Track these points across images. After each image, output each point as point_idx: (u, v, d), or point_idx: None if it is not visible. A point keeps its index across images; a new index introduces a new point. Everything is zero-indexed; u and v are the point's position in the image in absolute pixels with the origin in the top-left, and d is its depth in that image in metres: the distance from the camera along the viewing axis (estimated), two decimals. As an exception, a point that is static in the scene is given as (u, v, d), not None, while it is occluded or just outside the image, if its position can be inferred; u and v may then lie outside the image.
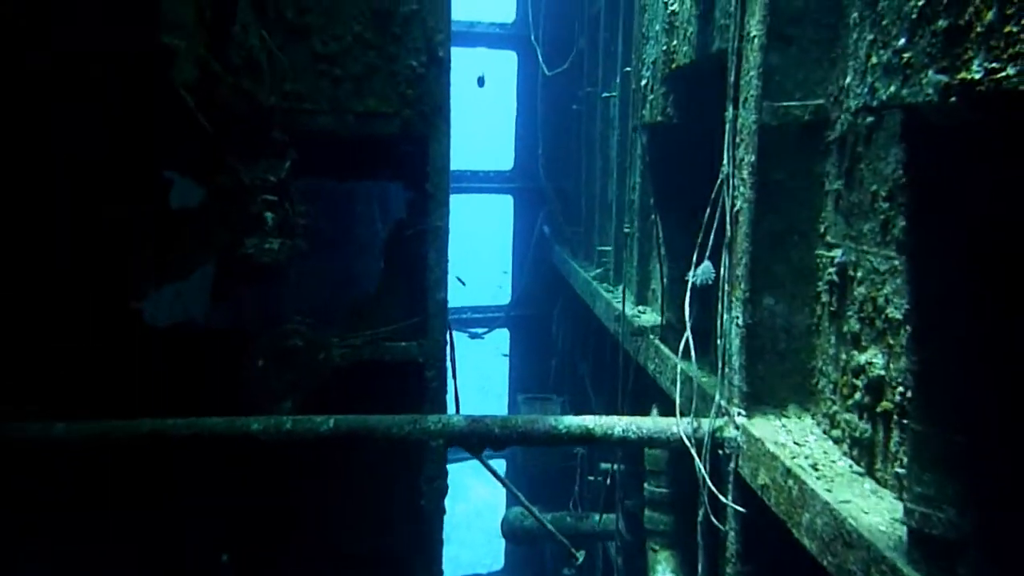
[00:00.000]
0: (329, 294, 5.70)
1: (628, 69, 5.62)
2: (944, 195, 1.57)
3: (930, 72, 1.50)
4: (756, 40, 2.74)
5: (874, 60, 1.82)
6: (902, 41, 1.63)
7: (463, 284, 8.43)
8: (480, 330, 9.31)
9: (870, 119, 2.45)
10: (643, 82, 4.09)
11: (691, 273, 3.06)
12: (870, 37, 1.90)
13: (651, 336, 4.18)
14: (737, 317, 2.84)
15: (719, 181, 3.00)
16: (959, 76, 1.41)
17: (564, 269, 8.09)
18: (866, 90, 1.98)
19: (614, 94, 6.43)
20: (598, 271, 6.69)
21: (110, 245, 3.01)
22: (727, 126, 2.94)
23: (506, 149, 9.77)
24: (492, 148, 11.13)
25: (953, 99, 1.43)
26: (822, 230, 2.79)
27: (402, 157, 4.17)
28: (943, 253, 1.57)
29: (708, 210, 3.03)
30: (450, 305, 9.32)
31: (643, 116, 4.08)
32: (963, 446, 1.60)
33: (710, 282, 2.99)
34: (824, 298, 2.74)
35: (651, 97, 3.94)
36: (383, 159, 4.19)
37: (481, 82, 7.76)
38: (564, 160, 8.95)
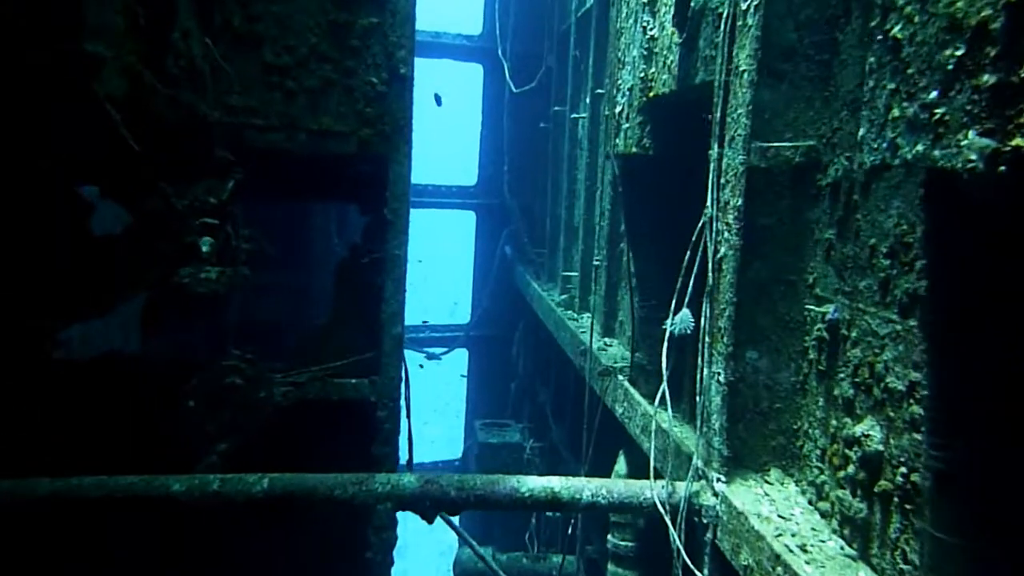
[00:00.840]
0: (277, 322, 5.35)
1: (600, 91, 5.42)
2: (980, 283, 1.35)
3: (971, 134, 1.28)
4: (745, 75, 2.54)
5: (895, 113, 1.61)
6: (934, 95, 1.41)
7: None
8: (438, 350, 9.00)
9: (868, 165, 2.26)
10: (618, 109, 3.87)
11: (668, 322, 2.83)
12: (891, 86, 1.69)
13: (620, 377, 3.95)
14: (718, 373, 2.61)
15: (701, 223, 2.78)
16: (1012, 142, 1.19)
17: (527, 292, 7.84)
18: (884, 144, 1.77)
19: (583, 115, 6.23)
20: (563, 297, 6.46)
21: (13, 274, 2.64)
22: (711, 165, 2.73)
23: (469, 163, 9.51)
24: (454, 161, 10.84)
25: (1003, 168, 1.21)
26: (811, 280, 2.59)
27: (359, 178, 3.86)
28: (979, 347, 1.36)
29: (688, 253, 2.81)
30: (407, 323, 9.06)
31: (617, 145, 3.86)
32: (998, 563, 1.38)
33: (689, 331, 2.77)
34: (812, 355, 2.53)
35: (626, 126, 3.72)
36: (338, 180, 3.88)
37: (438, 101, 7.50)
38: (530, 178, 8.72)
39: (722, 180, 2.67)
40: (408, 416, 3.93)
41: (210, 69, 3.32)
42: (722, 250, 2.63)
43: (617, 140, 3.88)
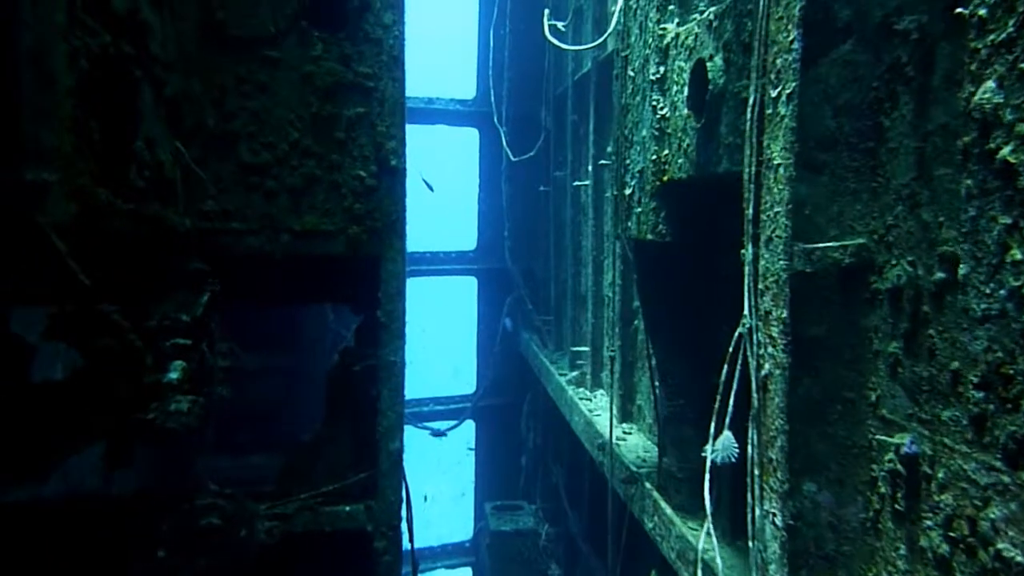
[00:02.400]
0: (260, 440, 4.97)
1: (603, 163, 5.15)
2: None
3: None
4: (781, 169, 2.22)
5: (1018, 255, 1.27)
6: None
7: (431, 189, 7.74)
8: (443, 424, 8.57)
9: (940, 275, 1.92)
10: (627, 191, 3.56)
11: (708, 448, 2.45)
12: (1004, 220, 1.36)
13: (647, 485, 3.55)
14: (773, 514, 2.23)
15: (737, 333, 2.43)
16: None
17: (534, 363, 7.47)
18: (1003, 292, 1.43)
19: (586, 183, 5.96)
20: (574, 374, 6.08)
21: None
22: (746, 268, 2.39)
23: (468, 227, 9.23)
24: (453, 226, 10.58)
25: None
26: (873, 399, 2.23)
27: (349, 278, 3.53)
28: None
29: (725, 368, 2.45)
30: (409, 396, 8.66)
31: (630, 229, 3.54)
32: None
33: (733, 460, 2.39)
34: (884, 489, 2.15)
35: (639, 210, 3.41)
36: (326, 281, 3.56)
37: (429, 187, 7.28)
38: (531, 242, 8.44)
39: (760, 286, 2.33)
40: (411, 542, 3.52)
41: (181, 175, 3.01)
42: (767, 367, 2.27)
43: (629, 224, 3.56)
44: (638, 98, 3.45)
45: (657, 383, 3.52)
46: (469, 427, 8.78)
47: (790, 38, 2.15)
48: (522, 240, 8.43)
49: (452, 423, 8.51)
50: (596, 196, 5.77)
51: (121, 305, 2.77)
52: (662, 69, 3.17)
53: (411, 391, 8.89)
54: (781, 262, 2.22)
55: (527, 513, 7.05)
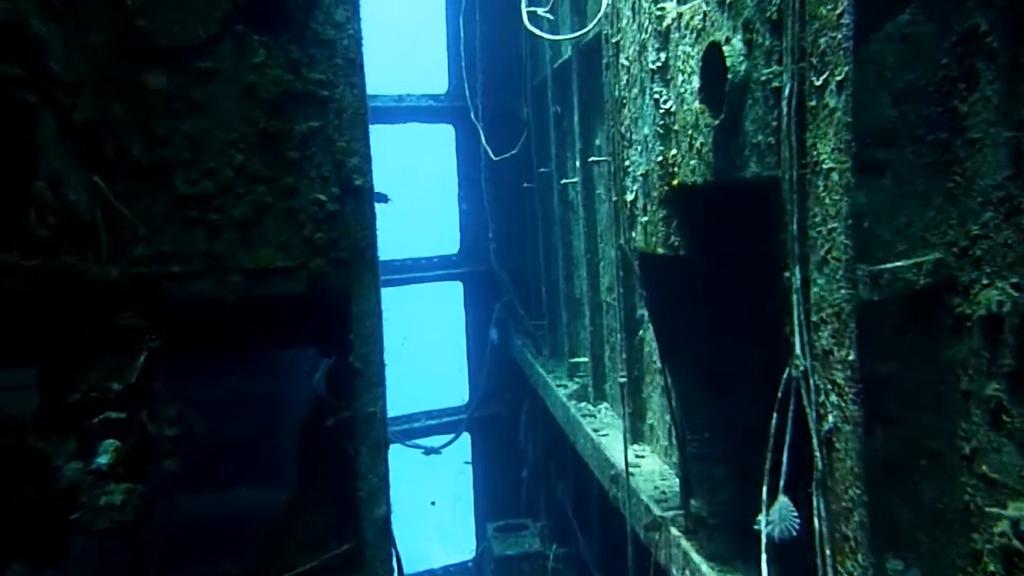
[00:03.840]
0: (244, 471, 4.51)
1: (594, 160, 4.69)
2: None
3: None
4: (835, 175, 1.77)
5: None
6: None
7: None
8: (438, 439, 8.11)
9: (1057, 305, 1.49)
10: (629, 196, 3.11)
11: (762, 518, 2.02)
12: None
13: (673, 531, 3.12)
14: (851, 603, 1.80)
15: (786, 375, 1.99)
16: None
17: (529, 372, 7.03)
18: None
19: (574, 180, 5.50)
20: (575, 387, 5.64)
21: None
22: (793, 296, 1.95)
23: (450, 229, 8.75)
24: (433, 229, 10.08)
25: None
26: (967, 451, 1.80)
27: (314, 318, 3.06)
28: None
29: (775, 418, 2.01)
30: (400, 412, 8.20)
31: (635, 240, 3.09)
32: None
33: (794, 534, 1.95)
34: (993, 567, 1.73)
35: (644, 219, 2.96)
36: (288, 324, 3.08)
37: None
38: (518, 241, 7.98)
39: (814, 317, 1.89)
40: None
41: (103, 216, 2.53)
42: (831, 419, 1.84)
43: (633, 234, 3.11)
44: (635, 90, 2.99)
45: (677, 414, 3.09)
46: (464, 440, 8.34)
47: (837, 10, 1.70)
48: (508, 240, 7.96)
49: (446, 438, 8.06)
50: (586, 194, 5.31)
51: (33, 381, 2.30)
52: (663, 56, 2.71)
53: (400, 406, 8.45)
54: (842, 290, 1.78)
55: (532, 533, 6.63)
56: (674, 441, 3.97)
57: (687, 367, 3.05)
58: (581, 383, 5.59)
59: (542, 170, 6.59)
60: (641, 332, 4.40)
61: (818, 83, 1.79)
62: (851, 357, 1.76)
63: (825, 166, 1.80)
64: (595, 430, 4.74)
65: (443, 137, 8.50)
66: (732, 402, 2.93)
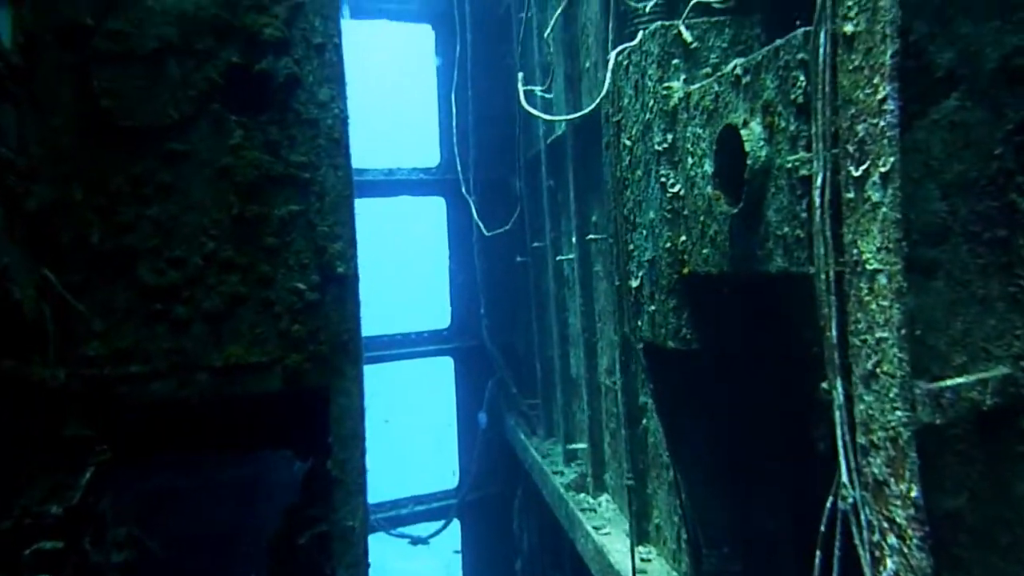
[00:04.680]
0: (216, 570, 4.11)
1: (592, 237, 4.50)
2: None
3: None
4: (882, 277, 1.54)
5: None
6: None
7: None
8: (424, 529, 7.65)
9: None
10: (634, 283, 2.89)
11: None
12: None
13: (691, 660, 2.76)
14: None
15: (830, 503, 1.71)
16: None
17: (523, 456, 6.67)
18: None
19: (570, 256, 5.30)
20: (571, 476, 5.30)
21: None
22: (836, 414, 1.69)
23: (441, 301, 8.51)
24: (424, 302, 9.85)
25: None
26: (1050, 605, 1.52)
27: (289, 418, 2.77)
28: None
29: (818, 556, 1.73)
30: (384, 498, 7.76)
31: (641, 330, 2.85)
32: None
33: None
34: None
35: (652, 308, 2.72)
36: (260, 426, 2.79)
37: None
38: (511, 316, 7.74)
39: (862, 440, 1.63)
40: None
41: (52, 312, 2.27)
42: (890, 565, 1.55)
43: (639, 323, 2.87)
44: (639, 172, 2.80)
45: (689, 522, 2.78)
46: (454, 527, 7.87)
47: (879, 96, 1.51)
48: (501, 316, 7.72)
49: (435, 526, 7.60)
50: (583, 271, 5.10)
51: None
52: (670, 137, 2.54)
53: (384, 492, 8.01)
54: (897, 411, 1.52)
55: (528, 633, 6.13)
56: (683, 544, 3.63)
57: (700, 469, 2.76)
58: (579, 471, 5.25)
59: (536, 245, 6.42)
60: (645, 421, 4.11)
61: (857, 173, 1.59)
62: (914, 493, 1.50)
63: (869, 267, 1.58)
64: (596, 527, 4.38)
65: (434, 210, 8.38)
66: (754, 511, 2.64)
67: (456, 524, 7.91)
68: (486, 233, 6.41)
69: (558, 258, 5.69)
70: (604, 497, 4.97)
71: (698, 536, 2.70)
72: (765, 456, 2.52)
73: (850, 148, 1.61)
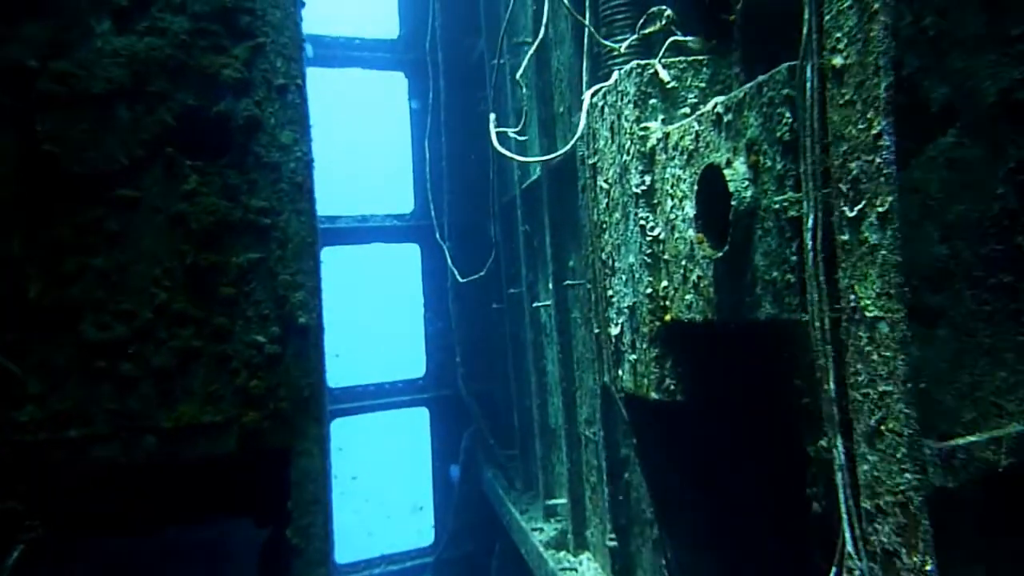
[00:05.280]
0: None
1: (569, 283, 4.39)
2: None
3: None
4: (882, 325, 1.43)
5: None
6: None
7: None
8: (401, 588, 7.29)
9: None
10: (614, 330, 2.75)
11: None
12: None
13: None
14: None
15: (833, 573, 1.56)
16: None
17: (501, 510, 6.41)
18: None
19: (547, 303, 5.18)
20: (552, 533, 5.06)
21: None
22: (837, 474, 1.55)
23: (416, 351, 8.29)
24: (397, 350, 9.63)
25: None
26: None
27: (246, 483, 2.56)
28: None
29: (825, 635, 1.56)
30: (355, 558, 7.40)
31: (622, 380, 2.70)
32: None
33: None
34: None
35: (633, 357, 2.59)
36: (213, 491, 2.57)
37: None
38: (487, 364, 7.56)
39: (867, 504, 1.48)
40: None
41: (-19, 373, 2.06)
42: (905, 648, 1.39)
43: (620, 372, 2.73)
44: (617, 215, 2.70)
45: (682, 592, 2.59)
46: (430, 587, 7.51)
47: (874, 131, 1.41)
48: (477, 364, 7.54)
49: (410, 588, 7.24)
50: (561, 318, 4.96)
51: None
52: (648, 179, 2.44)
53: (355, 550, 7.67)
54: (907, 474, 1.39)
55: None
56: (672, 607, 3.43)
57: (687, 531, 2.59)
58: (559, 528, 5.03)
59: (512, 291, 6.29)
60: (627, 475, 3.94)
61: (852, 214, 1.48)
62: (928, 567, 1.35)
63: (869, 314, 1.46)
64: (578, 587, 4.15)
65: (408, 257, 8.25)
66: (742, 572, 2.47)
67: (432, 583, 7.56)
68: (460, 280, 6.27)
69: (535, 304, 5.56)
70: (585, 556, 4.74)
71: (689, 604, 2.51)
72: (757, 517, 2.37)
73: (843, 187, 1.51)
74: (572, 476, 4.90)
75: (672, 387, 2.40)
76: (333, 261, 7.96)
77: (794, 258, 1.69)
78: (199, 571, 5.08)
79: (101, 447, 2.31)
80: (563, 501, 5.02)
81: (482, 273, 6.15)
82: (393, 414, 8.22)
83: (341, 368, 7.16)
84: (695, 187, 2.12)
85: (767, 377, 2.23)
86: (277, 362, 2.54)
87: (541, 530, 5.23)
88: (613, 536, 3.52)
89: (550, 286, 5.04)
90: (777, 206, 1.74)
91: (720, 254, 1.97)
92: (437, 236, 6.88)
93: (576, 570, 4.51)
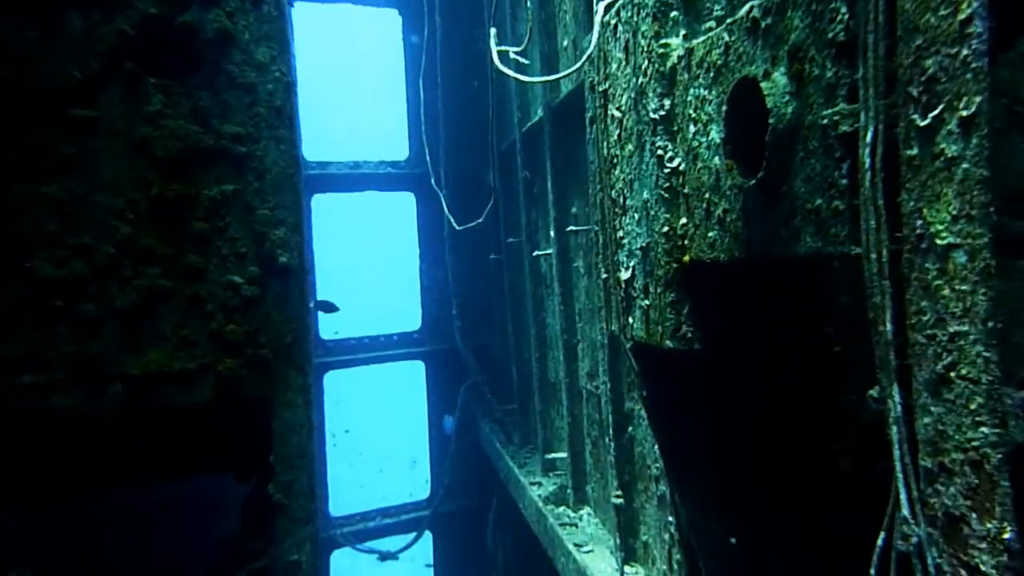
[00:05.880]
0: None
1: (572, 229, 4.15)
2: None
3: None
4: (958, 254, 1.20)
5: None
6: None
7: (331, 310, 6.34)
8: (393, 543, 7.22)
9: None
10: (624, 274, 2.53)
11: None
12: None
13: None
14: None
15: (881, 540, 1.37)
16: None
17: (498, 464, 6.29)
18: None
19: (548, 251, 4.94)
20: (551, 488, 4.93)
21: None
22: (892, 429, 1.35)
23: (412, 304, 8.08)
24: (393, 303, 9.40)
25: None
26: None
27: (224, 435, 2.36)
28: None
29: (871, 609, 1.37)
30: (351, 510, 7.33)
31: (632, 328, 2.49)
32: None
33: None
34: None
35: (646, 303, 2.36)
36: (187, 446, 2.37)
37: (328, 308, 6.18)
38: (485, 317, 7.38)
39: (928, 463, 1.28)
40: None
41: (-83, 311, 1.84)
42: (970, 627, 1.20)
43: (630, 320, 2.51)
44: (630, 146, 2.44)
45: (698, 560, 2.42)
46: (425, 540, 7.45)
47: (961, 16, 1.16)
48: (474, 317, 7.35)
49: (405, 539, 7.18)
50: (562, 268, 4.74)
51: None
52: (667, 103, 2.18)
53: (351, 504, 7.58)
54: (983, 428, 1.18)
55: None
56: (676, 566, 3.29)
57: (703, 492, 2.41)
58: (558, 483, 4.89)
59: (511, 240, 6.05)
60: (631, 429, 3.76)
61: (924, 123, 1.24)
62: (1007, 535, 1.15)
63: (940, 242, 1.23)
64: (578, 545, 4.01)
65: (403, 206, 7.97)
66: (764, 541, 2.30)
67: (428, 537, 7.50)
68: (457, 228, 6.01)
69: (535, 254, 5.32)
70: (585, 511, 4.61)
71: (700, 569, 2.34)
72: (777, 478, 2.18)
73: (914, 91, 1.26)
74: (572, 431, 4.75)
75: (689, 335, 2.19)
76: (325, 209, 7.70)
77: (844, 182, 1.46)
78: (192, 522, 4.94)
79: (61, 395, 2.09)
80: (563, 456, 4.88)
81: (480, 220, 5.89)
82: (389, 367, 8.07)
83: (334, 320, 6.95)
84: (723, 107, 1.87)
85: (792, 325, 2.02)
86: (256, 305, 2.31)
87: (540, 484, 5.10)
88: (619, 493, 3.35)
89: (551, 234, 4.80)
90: (826, 121, 1.49)
91: (753, 182, 1.73)
92: (433, 183, 6.60)
93: (576, 525, 4.38)
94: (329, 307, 5.54)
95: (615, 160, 2.57)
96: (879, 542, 1.34)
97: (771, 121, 1.63)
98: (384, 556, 6.86)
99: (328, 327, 7.25)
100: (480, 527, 7.19)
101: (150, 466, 2.40)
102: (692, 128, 2.06)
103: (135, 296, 2.18)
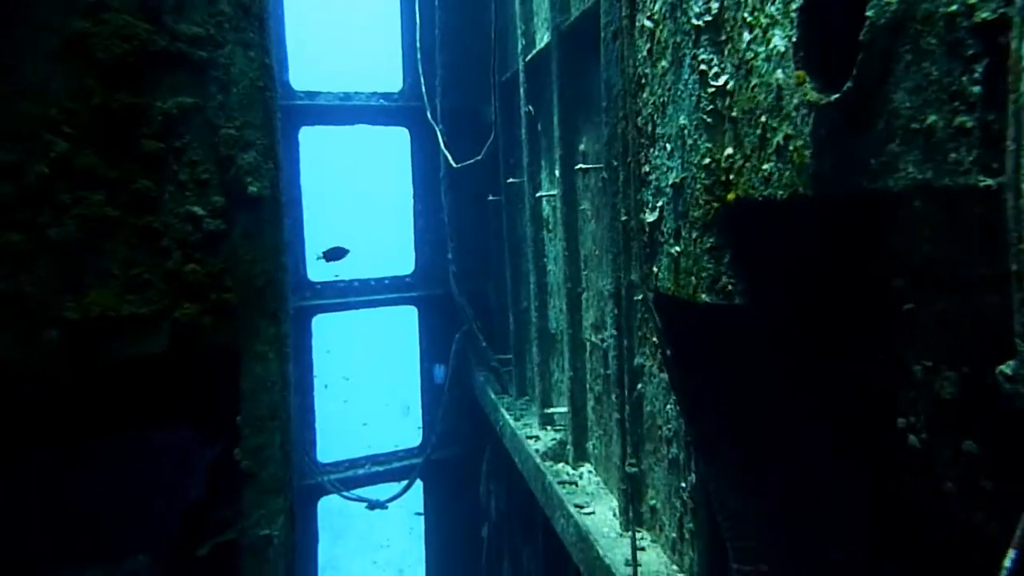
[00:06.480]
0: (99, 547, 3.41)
1: (581, 167, 3.77)
2: None
3: None
4: None
5: None
6: None
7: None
8: (383, 491, 7.04)
9: None
10: (650, 216, 2.18)
11: None
12: None
13: None
14: None
15: (1011, 560, 1.07)
16: None
17: (493, 415, 6.05)
18: None
19: (552, 193, 4.57)
20: (550, 444, 4.68)
21: None
22: (1030, 417, 1.03)
23: (405, 246, 7.72)
24: (387, 246, 9.03)
25: None
26: None
27: (184, 391, 2.05)
28: None
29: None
30: (340, 457, 7.13)
31: (656, 277, 2.16)
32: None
33: None
34: None
35: (677, 250, 2.03)
36: (141, 402, 2.06)
37: (338, 255, 5.79)
38: (481, 261, 7.04)
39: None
40: None
41: None
42: None
43: (655, 268, 2.18)
44: (664, 62, 2.07)
45: (724, 531, 2.15)
46: (416, 489, 7.28)
47: None
48: (470, 261, 7.01)
49: (395, 488, 7.00)
50: (567, 210, 4.38)
51: None
52: (715, 5, 1.81)
53: (340, 450, 7.38)
54: None
55: (496, 607, 5.62)
56: (687, 535, 3.05)
57: (733, 465, 2.12)
58: (557, 439, 4.64)
59: (511, 180, 5.66)
60: (640, 386, 3.48)
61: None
62: None
63: None
64: (578, 506, 3.78)
65: (396, 141, 7.53)
66: (797, 526, 2.02)
67: (419, 485, 7.33)
68: (454, 165, 5.61)
69: (537, 195, 4.95)
70: (586, 468, 4.37)
71: (731, 550, 2.07)
72: (826, 449, 1.89)
73: (1105, -43, 0.91)
74: (574, 385, 4.47)
75: (730, 287, 1.86)
76: (312, 143, 7.26)
77: (976, 89, 1.11)
78: (163, 476, 4.68)
79: (-16, 343, 1.76)
80: (563, 410, 4.62)
81: (479, 158, 5.49)
82: (380, 312, 7.76)
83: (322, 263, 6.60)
84: (792, 3, 1.50)
85: (848, 279, 1.69)
86: (221, 241, 1.97)
87: (537, 438, 4.86)
88: (634, 461, 3.08)
89: (556, 173, 4.42)
90: (955, 7, 1.13)
91: (835, 97, 1.37)
92: (428, 116, 6.16)
93: (576, 483, 4.14)
94: (339, 254, 5.15)
95: (643, 80, 2.19)
96: (1007, 563, 1.04)
97: (869, 14, 1.27)
98: (373, 505, 6.69)
99: (329, 271, 6.90)
100: (472, 476, 7.02)
101: (100, 424, 2.09)
102: (747, 35, 1.69)
103: (74, 227, 1.83)
